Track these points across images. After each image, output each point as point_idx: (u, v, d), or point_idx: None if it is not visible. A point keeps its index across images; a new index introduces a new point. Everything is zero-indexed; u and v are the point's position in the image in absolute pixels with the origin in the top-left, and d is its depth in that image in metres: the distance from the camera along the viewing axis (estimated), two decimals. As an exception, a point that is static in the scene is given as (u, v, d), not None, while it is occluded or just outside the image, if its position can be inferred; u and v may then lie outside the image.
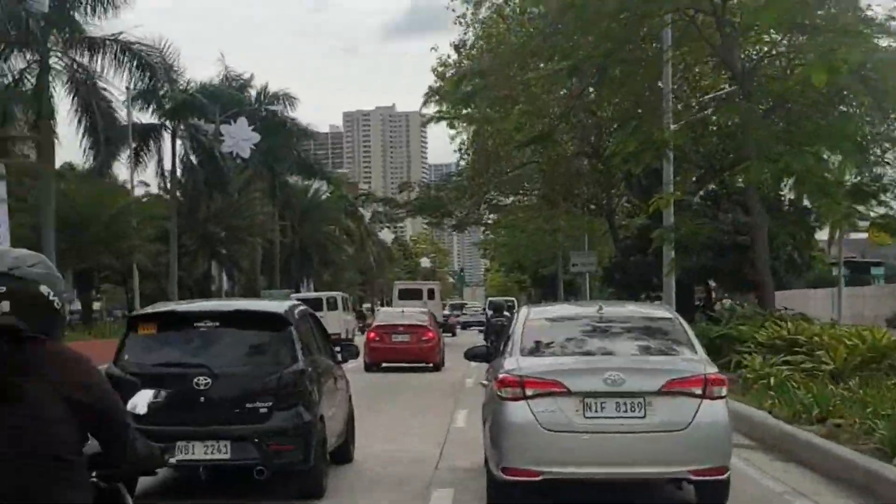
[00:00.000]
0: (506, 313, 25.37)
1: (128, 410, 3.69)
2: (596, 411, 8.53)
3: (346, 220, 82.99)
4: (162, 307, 10.87)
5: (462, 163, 47.85)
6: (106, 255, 41.26)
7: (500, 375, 8.87)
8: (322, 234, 70.90)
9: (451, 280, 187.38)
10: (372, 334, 28.13)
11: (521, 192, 47.66)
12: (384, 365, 27.36)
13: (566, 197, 42.26)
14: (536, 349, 9.25)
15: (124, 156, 43.66)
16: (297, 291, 58.36)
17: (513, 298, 76.12)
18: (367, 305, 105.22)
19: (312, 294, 49.11)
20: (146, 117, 45.37)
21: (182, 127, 46.11)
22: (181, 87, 42.98)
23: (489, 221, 48.86)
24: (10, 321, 3.35)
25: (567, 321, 10.04)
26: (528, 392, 8.58)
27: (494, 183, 43.88)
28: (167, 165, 46.50)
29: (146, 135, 45.99)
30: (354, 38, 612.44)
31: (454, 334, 54.08)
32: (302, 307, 11.08)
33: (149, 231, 44.59)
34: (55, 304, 3.48)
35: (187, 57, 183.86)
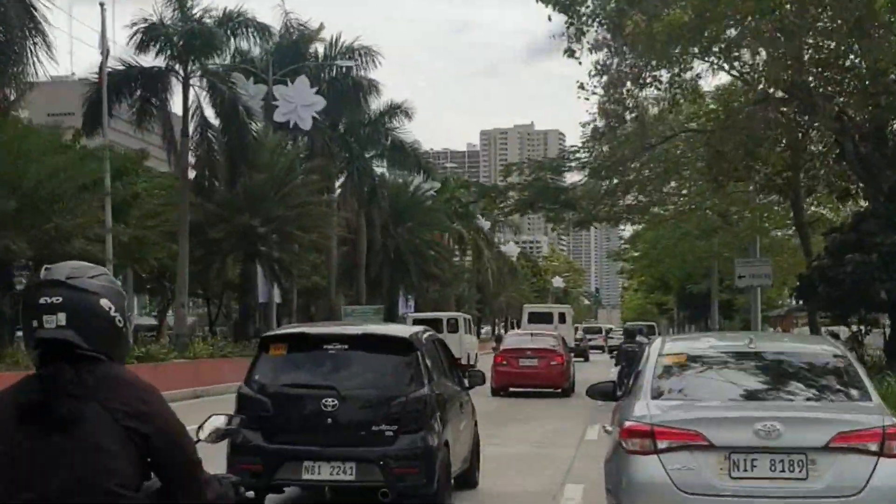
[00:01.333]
0: (639, 338, 25.05)
1: (193, 447, 3.30)
2: (745, 470, 7.18)
3: (457, 227, 74.29)
4: (292, 329, 11.23)
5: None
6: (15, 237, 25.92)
7: (626, 423, 7.56)
8: (423, 241, 61.29)
9: (585, 302, 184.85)
10: (499, 358, 28.15)
11: (671, 180, 36.19)
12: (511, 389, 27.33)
13: (739, 170, 27.81)
14: (671, 391, 7.93)
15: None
16: (393, 310, 56.30)
17: (653, 323, 73.14)
18: (485, 328, 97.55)
19: (430, 315, 46.73)
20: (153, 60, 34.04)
21: (199, 73, 34.61)
22: (195, 15, 33.87)
23: (626, 216, 39.31)
24: (66, 335, 3.10)
25: (710, 357, 8.51)
26: (661, 444, 7.26)
27: (634, 165, 32.19)
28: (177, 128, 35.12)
29: (149, 83, 34.01)
30: (496, 58, 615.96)
31: (587, 359, 53.40)
32: (429, 332, 11.30)
33: (160, 222, 35.58)
34: (117, 320, 3.20)
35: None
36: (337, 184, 49.82)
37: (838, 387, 8.01)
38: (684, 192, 36.68)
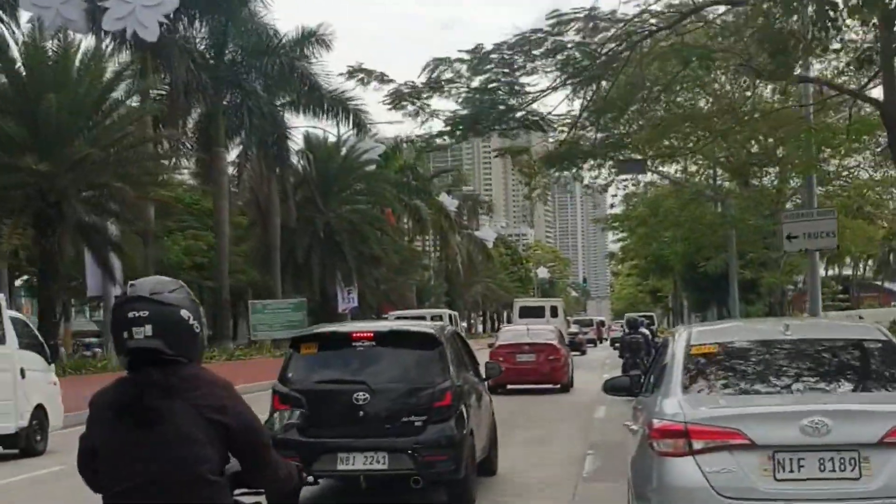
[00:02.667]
0: (642, 330, 25.31)
1: (266, 432, 3.88)
2: (791, 471, 6.55)
3: (414, 203, 63.79)
4: (322, 328, 11.98)
5: None
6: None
7: (657, 422, 6.90)
8: (364, 217, 50.35)
9: (573, 294, 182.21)
10: (495, 354, 26.57)
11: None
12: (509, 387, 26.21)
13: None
14: (704, 386, 7.29)
15: None
16: (328, 304, 49.21)
17: (651, 314, 70.62)
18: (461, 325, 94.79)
19: (413, 312, 44.95)
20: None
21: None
22: None
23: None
24: (155, 344, 3.62)
25: (743, 347, 7.77)
26: (697, 445, 6.65)
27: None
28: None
29: None
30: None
31: (584, 352, 53.63)
32: (451, 327, 12.06)
33: None
34: (195, 328, 3.74)
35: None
36: (238, 140, 41.91)
37: (890, 376, 7.38)
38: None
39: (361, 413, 10.41)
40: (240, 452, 3.80)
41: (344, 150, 51.44)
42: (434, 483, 10.63)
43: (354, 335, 11.01)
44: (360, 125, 45.60)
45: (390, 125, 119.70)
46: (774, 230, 29.91)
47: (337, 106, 43.61)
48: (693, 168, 36.28)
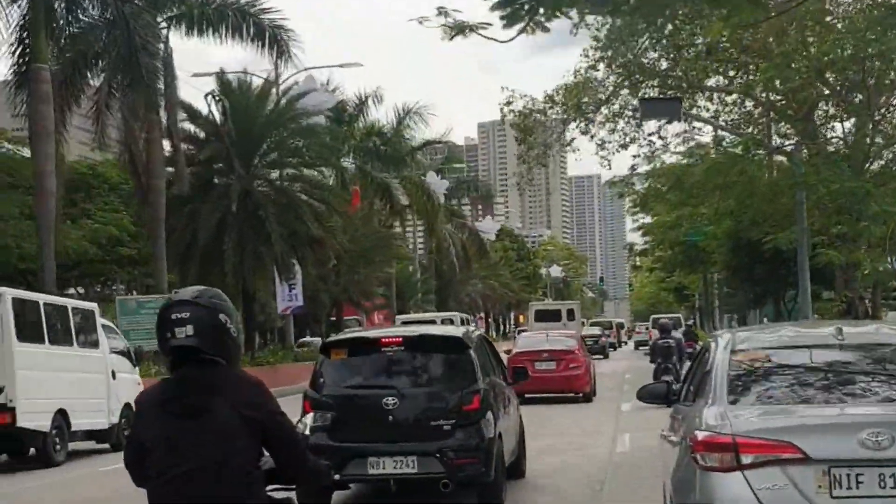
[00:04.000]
0: (674, 334, 25.04)
1: (297, 430, 4.32)
2: (848, 488, 6.17)
3: (382, 178, 51.52)
4: (352, 334, 12.23)
5: None
6: None
7: (702, 434, 6.52)
8: (303, 184, 40.17)
9: (589, 294, 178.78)
10: (512, 361, 23.78)
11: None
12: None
13: None
14: (751, 395, 6.85)
15: None
16: (250, 304, 39.60)
17: (678, 315, 67.93)
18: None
19: (421, 315, 43.84)
20: None
21: None
22: None
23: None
24: (195, 342, 4.04)
25: (792, 352, 7.31)
26: (745, 459, 6.28)
27: None
28: None
29: None
30: (495, 57, 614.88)
31: (606, 356, 52.92)
32: (478, 331, 12.29)
33: None
34: (231, 331, 4.14)
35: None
36: (100, 67, 31.62)
37: None
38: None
39: (391, 417, 10.64)
40: (273, 448, 4.16)
41: (276, 99, 39.98)
42: (464, 486, 10.85)
43: (383, 340, 11.25)
44: (281, 50, 34.52)
45: (347, 72, 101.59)
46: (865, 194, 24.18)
47: (243, 21, 33.31)
48: (735, 115, 30.02)
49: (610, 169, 35.32)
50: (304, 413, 10.99)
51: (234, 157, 37.27)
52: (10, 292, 17.05)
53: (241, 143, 37.51)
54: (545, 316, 50.47)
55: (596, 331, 57.83)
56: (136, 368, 21.10)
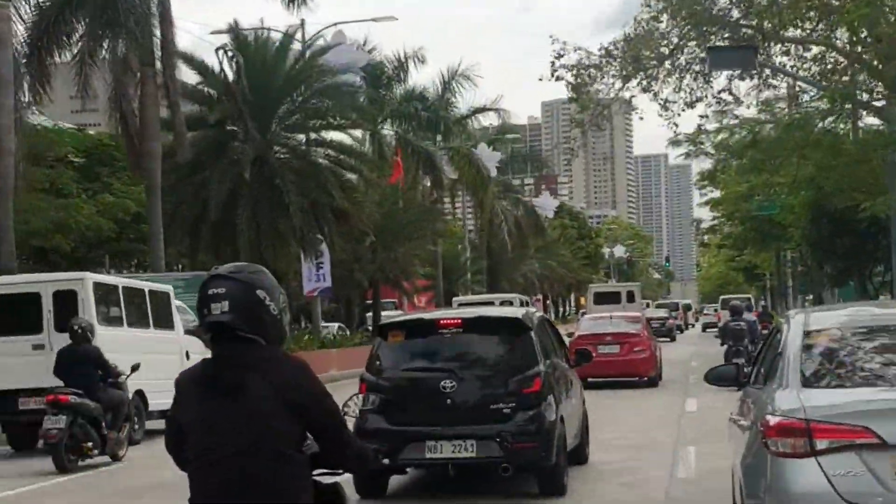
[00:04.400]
0: (746, 316, 24.30)
1: (341, 414, 4.07)
2: None
3: (422, 146, 47.98)
4: (409, 316, 12.04)
5: None
6: None
7: (773, 419, 6.28)
8: (329, 150, 36.38)
9: (655, 275, 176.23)
10: (575, 345, 23.74)
11: None
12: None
13: None
14: (826, 377, 6.61)
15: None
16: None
17: (749, 296, 65.39)
18: None
19: (479, 297, 42.39)
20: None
21: None
22: None
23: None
24: (229, 318, 3.85)
25: (869, 332, 7.02)
26: (819, 444, 6.06)
27: None
28: None
29: None
30: (562, 35, 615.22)
31: (673, 339, 52.04)
32: (539, 312, 12.04)
33: None
34: (271, 308, 3.91)
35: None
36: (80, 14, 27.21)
37: None
38: None
39: (449, 401, 10.44)
40: (316, 431, 3.97)
41: (297, 54, 36.45)
42: (523, 471, 10.63)
43: (441, 322, 11.05)
44: None
45: (384, 32, 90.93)
46: None
47: None
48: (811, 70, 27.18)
49: (676, 132, 28.69)
50: (360, 396, 10.86)
51: (248, 118, 33.20)
52: (92, 277, 17.34)
53: (256, 103, 33.65)
54: (604, 298, 50.04)
55: (662, 313, 56.83)
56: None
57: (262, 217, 32.50)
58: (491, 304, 34.61)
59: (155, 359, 17.55)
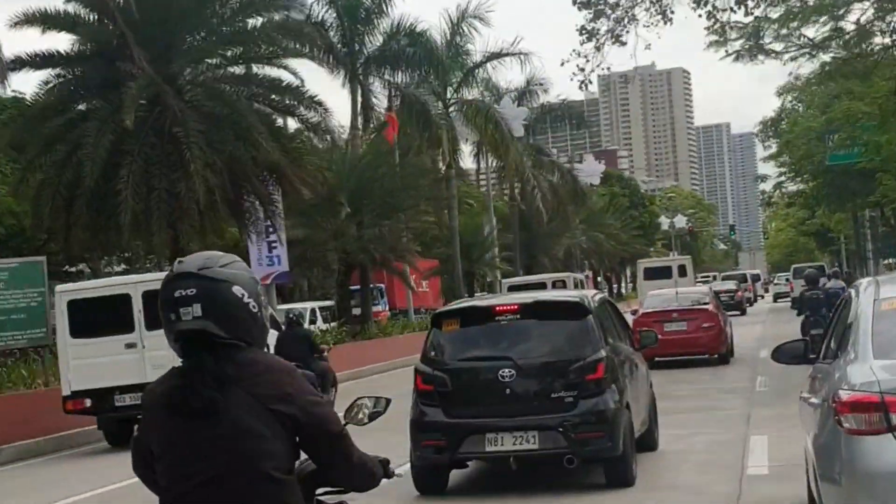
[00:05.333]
0: (828, 283, 23.26)
1: (339, 423, 3.46)
2: None
3: (411, 92, 41.72)
4: (464, 303, 11.64)
5: None
6: None
7: (846, 394, 5.99)
8: (247, 85, 27.69)
9: (721, 246, 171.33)
10: (639, 323, 23.14)
11: None
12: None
13: None
14: None
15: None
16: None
17: (822, 264, 61.97)
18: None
19: (531, 278, 39.89)
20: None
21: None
22: None
23: None
24: (203, 325, 3.26)
25: None
26: None
27: None
28: None
29: None
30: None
31: (743, 312, 50.60)
32: (600, 294, 11.58)
33: None
34: (251, 306, 3.34)
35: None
36: None
37: None
38: None
39: (508, 391, 10.07)
40: (309, 446, 3.40)
41: None
42: (589, 461, 10.21)
43: (497, 308, 10.65)
44: None
45: None
46: None
47: None
48: None
49: (724, 40, 23.43)
50: (417, 388, 10.51)
51: (133, 46, 24.41)
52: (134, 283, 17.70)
53: (148, 25, 25.04)
54: (655, 273, 48.78)
55: (730, 285, 54.17)
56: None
57: (156, 180, 24.49)
58: (543, 285, 33.48)
59: None
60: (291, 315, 20.11)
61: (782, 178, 56.19)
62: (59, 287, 18.53)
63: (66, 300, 17.40)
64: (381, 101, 41.82)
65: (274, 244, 29.97)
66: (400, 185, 35.26)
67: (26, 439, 17.58)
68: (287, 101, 27.77)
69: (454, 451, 10.21)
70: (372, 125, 42.15)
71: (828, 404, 6.23)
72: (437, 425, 10.23)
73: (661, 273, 48.52)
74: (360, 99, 40.75)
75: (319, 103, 27.71)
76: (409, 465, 10.44)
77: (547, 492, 10.43)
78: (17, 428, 17.60)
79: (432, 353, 10.61)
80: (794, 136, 45.29)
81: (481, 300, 12.24)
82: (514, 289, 31.97)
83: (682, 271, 49.25)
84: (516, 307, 10.59)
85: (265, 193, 26.87)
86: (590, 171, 66.99)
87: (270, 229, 28.77)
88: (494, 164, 50.59)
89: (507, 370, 10.07)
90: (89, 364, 17.14)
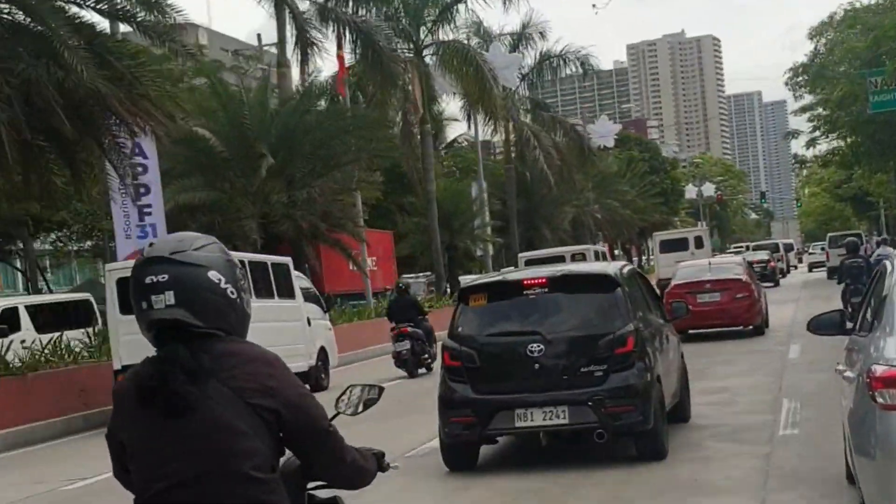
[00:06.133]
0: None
1: (326, 417, 3.25)
2: None
3: (360, 21, 35.47)
4: (491, 277, 11.59)
5: None
6: None
7: (880, 368, 5.91)
8: None
9: (753, 216, 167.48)
10: (671, 295, 22.83)
11: None
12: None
13: None
14: None
15: None
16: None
17: (859, 232, 59.63)
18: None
19: (549, 251, 36.42)
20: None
21: None
22: None
23: None
24: (176, 314, 3.06)
25: None
26: None
27: None
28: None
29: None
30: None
31: (776, 283, 48.76)
32: (629, 266, 11.50)
33: None
34: (228, 292, 3.14)
35: None
36: None
37: None
38: None
39: (537, 365, 10.03)
40: (293, 442, 3.19)
41: None
42: (620, 436, 10.17)
43: (525, 282, 10.61)
44: None
45: None
46: None
47: None
48: None
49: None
50: (445, 364, 10.48)
51: None
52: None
53: None
54: (671, 246, 48.27)
55: (763, 255, 51.64)
56: (327, 314, 23.41)
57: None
58: (561, 258, 31.53)
59: (281, 326, 18.91)
60: (401, 284, 23.87)
61: (816, 134, 51.42)
62: (108, 265, 19.61)
63: (116, 278, 17.66)
64: (328, 38, 35.20)
65: (147, 210, 23.14)
66: (335, 134, 30.06)
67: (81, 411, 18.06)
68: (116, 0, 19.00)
69: (483, 428, 10.19)
70: (313, 68, 35.18)
71: (862, 379, 6.16)
72: (465, 401, 10.21)
73: (678, 245, 48.13)
74: (295, 31, 33.93)
75: (170, 5, 19.19)
76: (435, 442, 10.43)
77: (578, 466, 10.39)
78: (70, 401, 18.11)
79: (459, 329, 10.57)
80: (831, 64, 41.28)
81: (509, 274, 12.11)
82: (531, 263, 30.98)
83: (699, 243, 48.77)
84: (545, 280, 10.53)
85: (105, 135, 18.96)
86: (603, 131, 61.58)
87: (143, 190, 22.71)
88: (487, 120, 44.07)
89: (535, 345, 10.03)
90: (139, 339, 17.29)
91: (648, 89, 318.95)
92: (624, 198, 68.28)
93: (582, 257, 33.09)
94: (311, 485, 3.39)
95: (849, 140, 46.63)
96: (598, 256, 35.77)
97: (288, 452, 3.23)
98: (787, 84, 45.53)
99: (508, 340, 10.31)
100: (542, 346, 10.02)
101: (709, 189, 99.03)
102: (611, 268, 11.16)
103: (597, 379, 9.98)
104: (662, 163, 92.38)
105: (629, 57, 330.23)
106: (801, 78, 37.89)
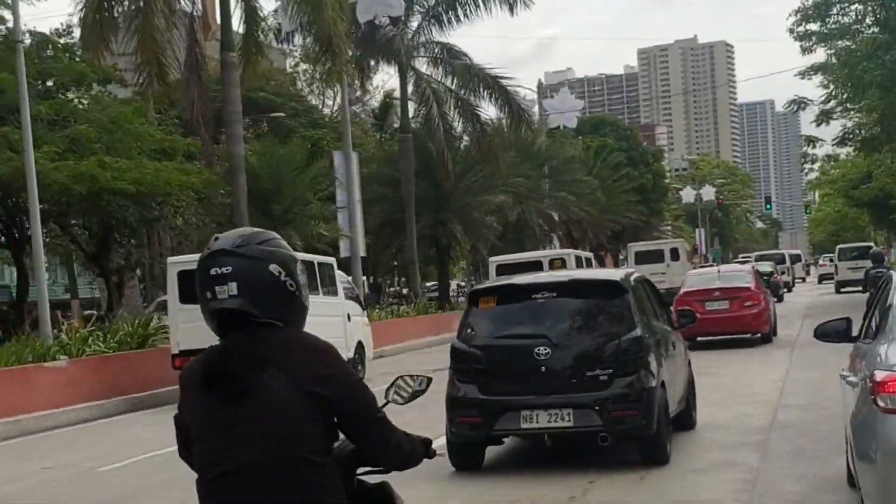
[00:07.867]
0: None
1: (377, 404, 3.48)
2: None
3: None
4: (501, 281, 11.87)
5: None
6: None
7: (882, 374, 6.11)
8: None
9: (759, 225, 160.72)
10: (680, 302, 23.06)
11: None
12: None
13: None
14: None
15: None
16: None
17: (870, 244, 58.06)
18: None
19: (523, 256, 32.39)
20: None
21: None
22: None
23: None
24: (237, 304, 3.28)
25: None
26: None
27: None
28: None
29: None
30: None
31: (780, 299, 44.45)
32: (637, 273, 11.79)
33: None
34: (288, 285, 3.36)
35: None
36: None
37: None
38: None
39: (543, 368, 10.28)
40: (347, 428, 3.41)
41: None
42: (624, 439, 10.42)
43: (534, 286, 10.88)
44: None
45: None
46: None
47: None
48: None
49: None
50: (452, 365, 10.75)
51: None
52: None
53: None
54: (646, 257, 47.16)
55: (766, 267, 45.25)
56: (364, 312, 25.14)
57: None
58: (538, 264, 28.27)
59: (324, 321, 19.65)
60: None
61: (831, 104, 40.38)
62: (170, 259, 21.70)
63: (177, 270, 19.63)
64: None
65: None
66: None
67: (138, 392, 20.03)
68: None
69: (489, 428, 10.45)
70: None
71: (865, 384, 6.36)
72: (472, 402, 10.48)
73: (653, 257, 47.42)
74: None
75: None
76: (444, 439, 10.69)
77: (580, 468, 10.65)
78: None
79: (468, 331, 10.84)
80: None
81: (519, 279, 12.34)
82: (503, 269, 27.93)
83: (675, 255, 48.16)
84: (553, 285, 10.80)
85: None
86: (562, 106, 51.18)
87: None
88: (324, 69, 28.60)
89: (542, 348, 10.29)
90: (196, 327, 18.34)
91: (659, 95, 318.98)
92: (582, 191, 56.49)
93: (561, 263, 29.95)
94: (360, 470, 3.60)
95: (872, 114, 36.63)
96: (583, 263, 31.95)
97: (341, 437, 3.45)
98: (791, 32, 37.19)
99: (516, 343, 10.57)
100: (548, 350, 10.28)
101: (709, 192, 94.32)
102: (619, 274, 11.44)
103: (602, 383, 10.23)
104: (643, 154, 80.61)
105: (640, 62, 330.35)
106: (810, 25, 30.94)
